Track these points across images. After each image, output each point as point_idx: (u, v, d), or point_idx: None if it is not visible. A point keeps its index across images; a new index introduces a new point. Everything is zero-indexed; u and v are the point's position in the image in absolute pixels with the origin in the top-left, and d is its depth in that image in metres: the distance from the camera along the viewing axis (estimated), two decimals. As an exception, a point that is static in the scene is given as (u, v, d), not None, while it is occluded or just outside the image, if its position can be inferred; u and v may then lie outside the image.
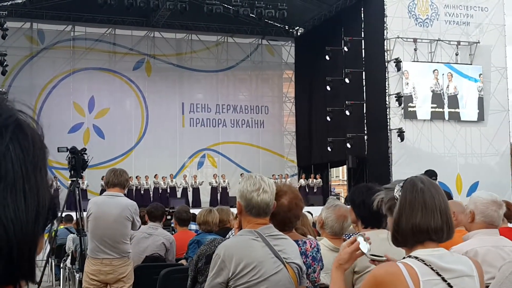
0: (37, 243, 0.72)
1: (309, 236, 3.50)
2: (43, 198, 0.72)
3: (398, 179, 2.08)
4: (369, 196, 2.98)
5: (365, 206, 2.99)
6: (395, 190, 1.94)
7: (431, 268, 1.79)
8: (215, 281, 2.49)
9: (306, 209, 9.24)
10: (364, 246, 2.14)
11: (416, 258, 1.81)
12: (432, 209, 1.84)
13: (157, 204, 6.26)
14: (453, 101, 20.47)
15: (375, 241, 2.77)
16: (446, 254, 1.86)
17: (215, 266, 2.50)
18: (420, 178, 1.92)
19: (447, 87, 20.42)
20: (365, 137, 21.15)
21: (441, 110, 20.31)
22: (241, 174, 20.32)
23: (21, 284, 0.72)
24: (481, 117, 20.54)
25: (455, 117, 20.37)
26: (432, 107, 20.26)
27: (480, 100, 20.65)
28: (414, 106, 20.19)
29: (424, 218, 1.83)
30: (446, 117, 20.23)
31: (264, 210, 2.59)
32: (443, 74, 20.37)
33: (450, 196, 6.86)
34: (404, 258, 1.86)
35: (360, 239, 2.16)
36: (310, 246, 2.94)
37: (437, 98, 20.32)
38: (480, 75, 20.72)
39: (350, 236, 3.46)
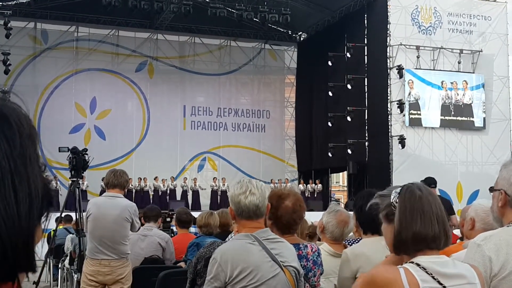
0: (33, 235, 0.69)
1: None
2: (35, 187, 0.69)
3: (394, 185, 2.06)
4: (368, 202, 2.98)
5: (362, 211, 2.99)
6: (392, 197, 1.93)
7: (432, 276, 1.78)
8: (213, 286, 2.48)
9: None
10: None
11: (418, 265, 1.80)
12: (430, 217, 1.83)
13: (152, 206, 6.29)
14: (415, 107, 20.32)
15: (377, 248, 2.76)
16: (448, 261, 1.85)
17: (212, 270, 2.49)
18: (418, 186, 1.92)
19: (409, 94, 20.27)
20: (366, 143, 21.14)
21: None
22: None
23: (21, 277, 0.70)
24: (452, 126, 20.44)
25: (416, 123, 20.22)
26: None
27: (444, 107, 20.55)
28: (416, 113, 20.19)
29: (423, 226, 1.82)
30: (407, 123, 20.11)
31: (254, 212, 2.57)
32: (405, 81, 20.26)
33: (450, 204, 6.84)
34: (405, 263, 1.85)
35: None
36: (311, 250, 2.94)
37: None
38: (443, 82, 20.62)
39: (351, 242, 3.45)
